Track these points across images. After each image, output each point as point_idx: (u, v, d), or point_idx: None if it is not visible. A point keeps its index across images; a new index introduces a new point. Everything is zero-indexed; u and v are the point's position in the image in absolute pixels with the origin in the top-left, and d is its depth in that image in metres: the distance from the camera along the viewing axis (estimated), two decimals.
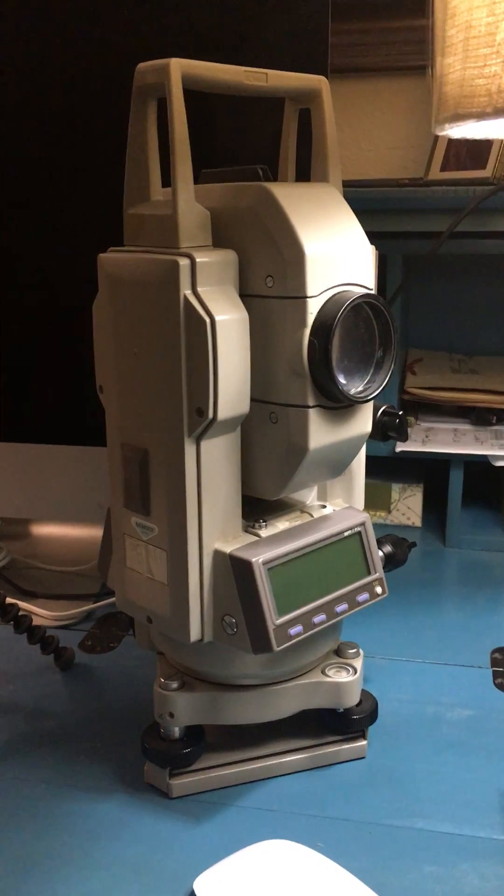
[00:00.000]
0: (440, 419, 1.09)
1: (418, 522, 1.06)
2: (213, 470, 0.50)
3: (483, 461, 0.98)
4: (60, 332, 0.84)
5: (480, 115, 0.55)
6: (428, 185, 1.03)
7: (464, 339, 1.20)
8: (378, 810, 0.56)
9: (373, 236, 0.52)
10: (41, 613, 0.82)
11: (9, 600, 0.70)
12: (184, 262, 0.47)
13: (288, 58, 0.74)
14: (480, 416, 1.07)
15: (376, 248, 0.54)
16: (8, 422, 0.88)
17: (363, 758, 0.61)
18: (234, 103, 0.56)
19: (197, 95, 0.49)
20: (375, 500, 1.05)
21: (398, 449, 0.99)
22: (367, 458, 0.61)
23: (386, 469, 1.06)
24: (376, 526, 1.05)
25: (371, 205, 0.93)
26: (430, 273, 1.16)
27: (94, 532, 1.00)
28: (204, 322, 0.47)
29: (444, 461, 1.00)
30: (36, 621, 0.72)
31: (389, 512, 1.06)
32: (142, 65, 0.48)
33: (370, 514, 1.04)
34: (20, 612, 0.70)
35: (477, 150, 1.03)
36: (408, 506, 1.06)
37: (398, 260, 0.99)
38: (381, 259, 0.86)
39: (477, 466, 0.99)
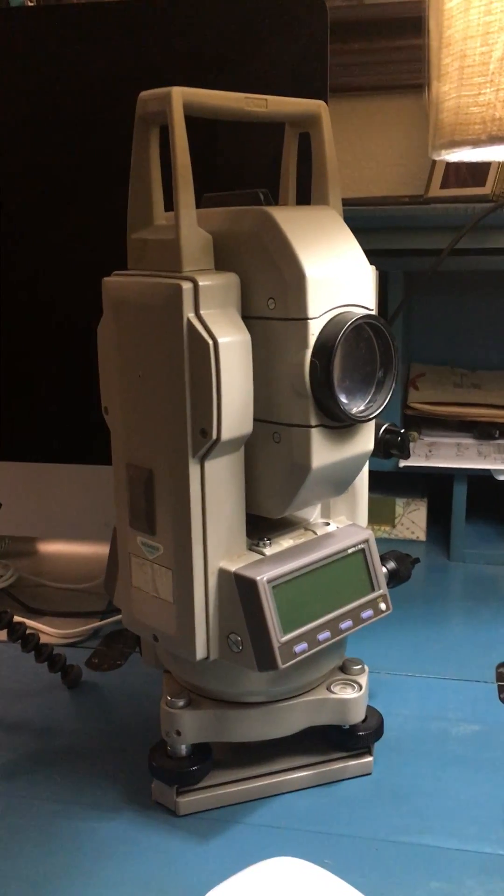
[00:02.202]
0: (443, 434, 1.10)
1: (423, 537, 1.06)
2: (217, 489, 0.51)
3: (486, 475, 0.98)
4: (67, 353, 0.85)
5: (476, 143, 0.57)
6: (428, 202, 1.04)
7: (466, 353, 1.20)
8: (384, 826, 0.56)
9: (374, 253, 0.53)
10: (48, 631, 0.83)
11: (16, 619, 0.70)
12: (187, 286, 0.48)
13: (288, 80, 0.76)
14: (483, 431, 1.08)
15: (378, 266, 0.55)
16: (15, 441, 0.89)
17: (369, 774, 0.61)
18: (234, 127, 0.57)
19: (198, 119, 0.50)
20: (379, 514, 1.06)
21: (402, 464, 1.00)
22: (371, 472, 0.62)
23: (390, 484, 1.07)
24: (381, 540, 1.06)
25: (372, 223, 0.94)
26: (432, 289, 1.17)
27: (101, 550, 1.01)
28: (207, 344, 0.47)
29: (448, 476, 1.00)
30: (43, 639, 0.72)
31: (394, 526, 1.06)
32: (144, 93, 0.49)
33: (374, 528, 1.06)
34: (27, 631, 0.70)
35: (476, 168, 1.04)
36: (412, 520, 1.06)
37: (399, 277, 1.00)
38: (382, 276, 0.87)
39: (480, 481, 0.99)
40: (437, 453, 1.03)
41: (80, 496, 0.89)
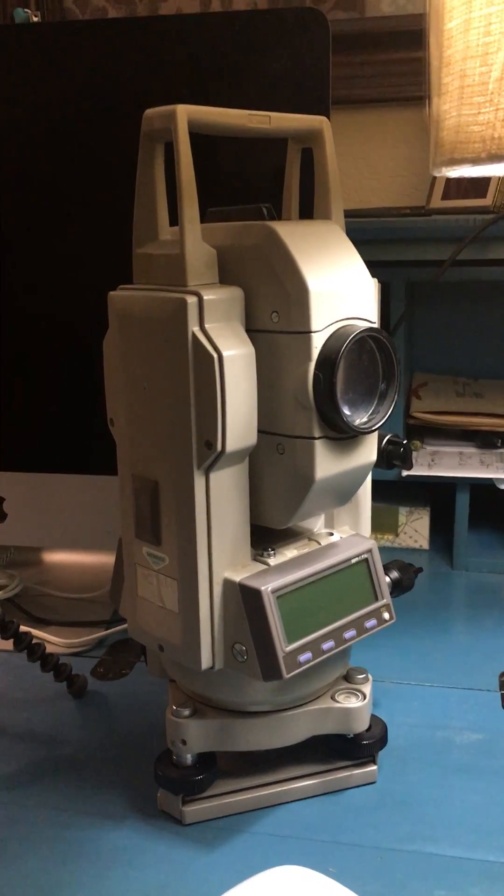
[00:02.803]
0: (446, 443, 1.10)
1: (426, 545, 1.07)
2: (222, 500, 0.51)
3: (489, 484, 0.99)
4: (71, 364, 0.85)
5: (475, 161, 0.58)
6: (430, 213, 1.04)
7: (468, 362, 1.21)
8: (389, 835, 0.56)
9: (376, 265, 0.54)
10: (54, 641, 0.83)
11: (22, 628, 0.71)
12: (191, 300, 0.48)
13: (290, 92, 0.76)
14: (486, 440, 1.08)
15: (380, 277, 0.56)
16: (19, 451, 0.89)
17: (374, 783, 0.62)
18: (237, 142, 0.58)
19: (201, 135, 0.51)
20: (383, 523, 1.06)
21: (405, 473, 1.00)
22: (374, 481, 0.62)
23: (393, 492, 1.07)
24: (384, 549, 1.06)
25: (375, 234, 0.95)
26: (434, 299, 1.18)
27: (106, 559, 1.01)
28: (212, 357, 0.48)
29: (451, 485, 1.00)
30: (48, 649, 0.73)
31: (397, 535, 1.07)
32: (149, 111, 0.50)
33: (378, 537, 1.06)
34: (33, 640, 0.70)
35: (477, 180, 1.05)
36: (415, 529, 1.06)
37: (402, 287, 1.00)
38: (384, 287, 0.88)
39: (483, 489, 1.00)
40: (439, 462, 1.03)
41: (84, 506, 0.89)
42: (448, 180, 1.08)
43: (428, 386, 1.17)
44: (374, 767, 0.62)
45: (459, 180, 1.07)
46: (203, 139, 0.51)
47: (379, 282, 0.56)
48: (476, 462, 1.03)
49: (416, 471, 1.00)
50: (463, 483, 1.00)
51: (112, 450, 0.57)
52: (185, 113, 0.48)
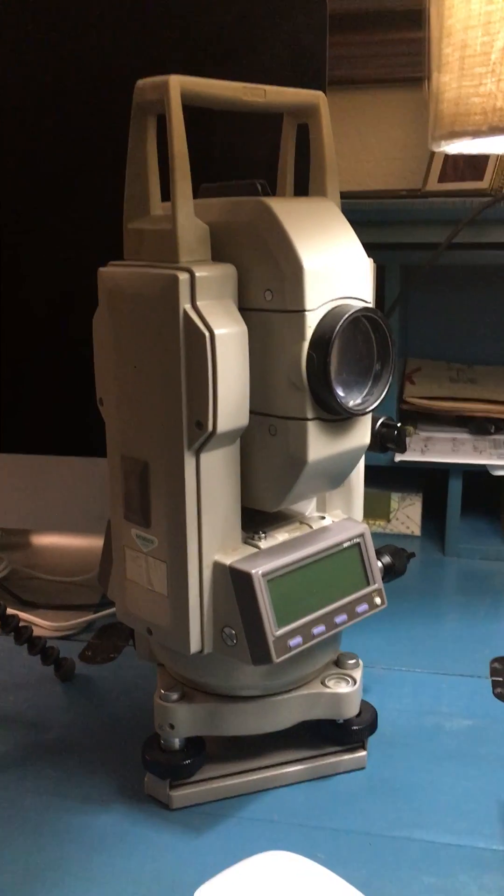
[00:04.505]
0: (439, 428, 1.10)
1: (417, 531, 1.06)
2: (212, 482, 0.50)
3: (482, 470, 0.98)
4: (62, 344, 0.84)
5: (476, 133, 0.57)
6: (426, 196, 1.03)
7: (462, 348, 1.20)
8: (378, 821, 0.56)
9: (371, 247, 0.53)
10: (41, 624, 0.83)
11: (9, 611, 0.70)
12: (183, 277, 0.47)
13: (287, 71, 0.75)
14: (479, 426, 1.08)
15: (375, 259, 0.55)
16: (9, 433, 0.88)
17: (363, 768, 0.61)
18: (232, 117, 0.57)
19: (195, 109, 0.49)
20: (375, 508, 1.06)
21: (397, 458, 0.99)
22: (367, 467, 0.61)
23: (385, 478, 1.07)
24: (375, 535, 1.05)
25: (370, 216, 0.94)
26: (429, 283, 1.17)
27: (95, 542, 1.00)
28: (203, 336, 0.47)
29: (443, 470, 1.00)
30: (36, 632, 0.72)
31: (389, 521, 1.06)
32: (141, 81, 0.49)
33: (369, 522, 1.06)
34: (20, 623, 0.70)
35: (474, 161, 1.03)
36: (407, 515, 1.06)
37: (397, 270, 0.99)
38: (379, 269, 0.87)
39: (476, 476, 0.99)
40: (432, 448, 1.03)
41: (74, 488, 0.89)
42: (445, 161, 1.07)
43: (422, 371, 1.16)
44: (364, 753, 0.61)
45: (456, 162, 1.06)
46: (197, 113, 0.50)
47: (374, 264, 0.55)
48: (469, 448, 1.03)
49: (409, 456, 0.99)
50: (456, 469, 0.99)
51: (102, 431, 0.56)
52: (178, 83, 0.47)
